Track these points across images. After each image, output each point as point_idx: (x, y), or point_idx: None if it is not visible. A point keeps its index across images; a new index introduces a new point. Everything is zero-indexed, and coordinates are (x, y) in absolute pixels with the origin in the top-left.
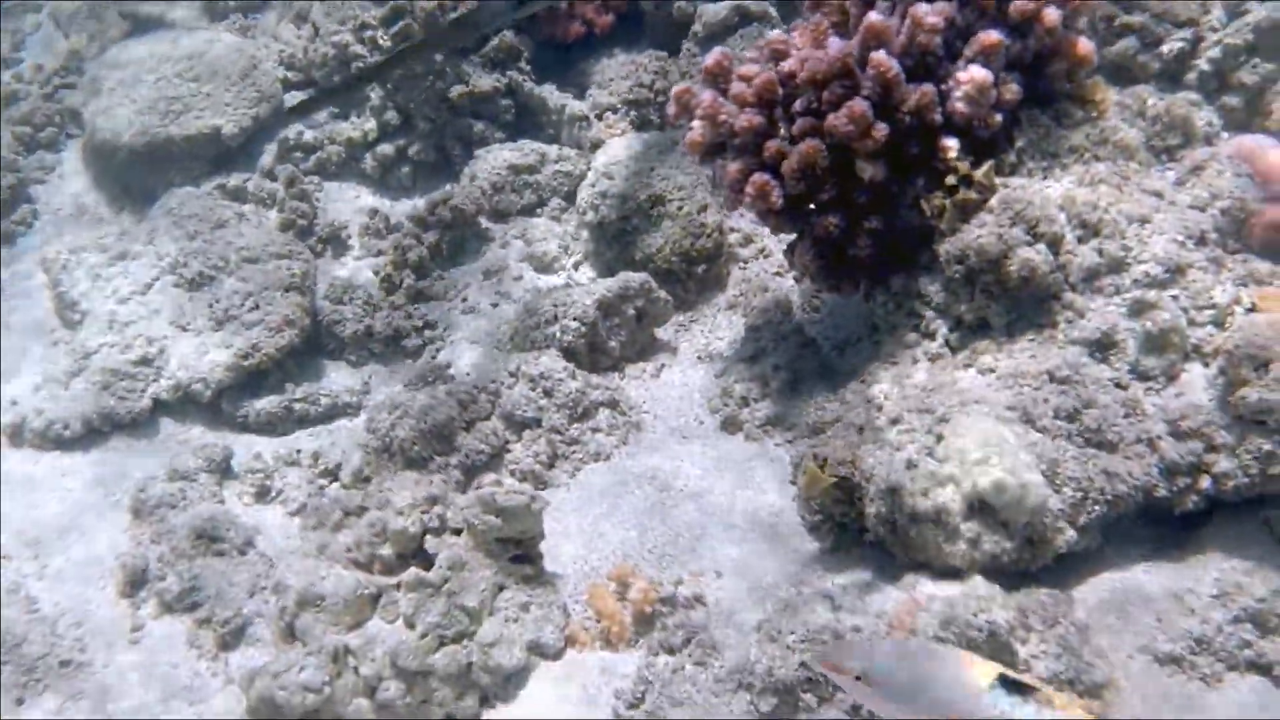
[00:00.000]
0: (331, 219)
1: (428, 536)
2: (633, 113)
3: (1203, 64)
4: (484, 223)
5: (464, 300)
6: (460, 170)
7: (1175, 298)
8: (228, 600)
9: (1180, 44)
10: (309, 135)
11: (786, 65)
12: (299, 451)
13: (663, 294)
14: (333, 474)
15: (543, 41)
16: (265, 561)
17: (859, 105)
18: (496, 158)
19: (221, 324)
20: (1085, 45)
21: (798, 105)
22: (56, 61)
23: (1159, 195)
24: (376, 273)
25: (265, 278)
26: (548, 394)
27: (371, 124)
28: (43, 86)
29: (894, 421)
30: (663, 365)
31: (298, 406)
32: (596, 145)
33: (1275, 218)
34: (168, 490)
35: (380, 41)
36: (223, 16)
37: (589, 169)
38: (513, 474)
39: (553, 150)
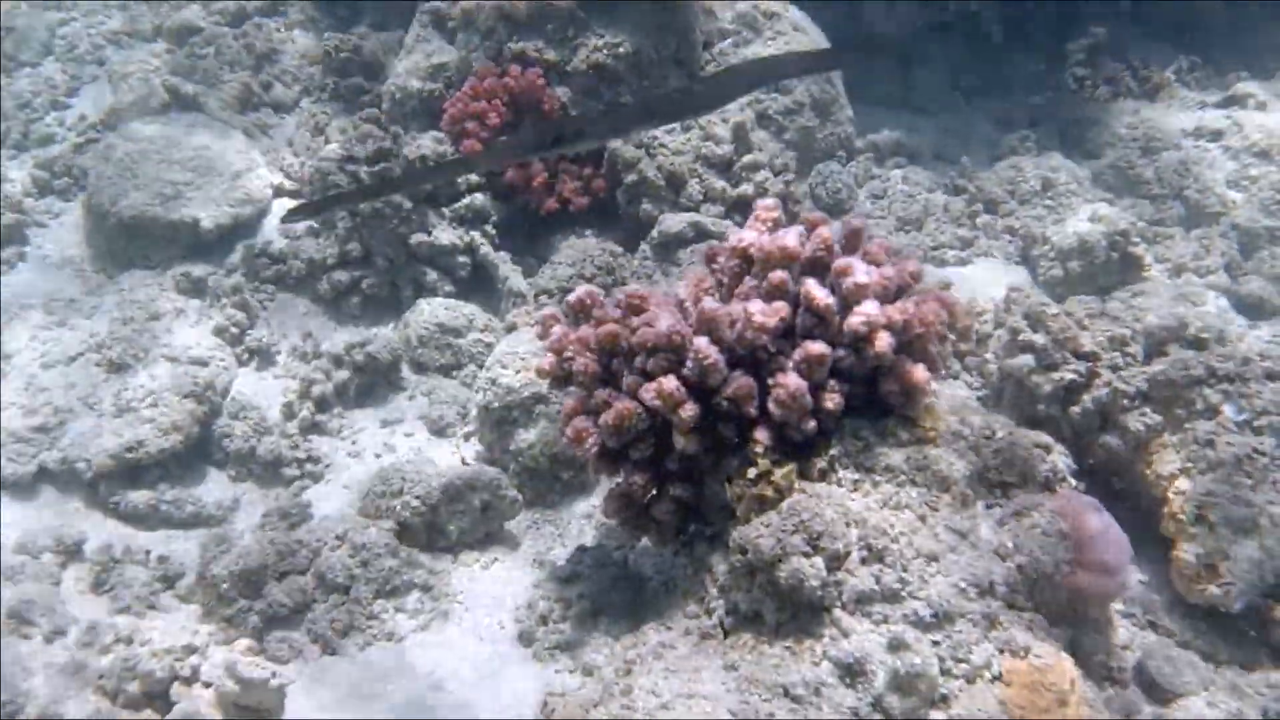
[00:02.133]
0: (266, 333)
1: (176, 683)
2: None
3: (1088, 401)
4: (404, 370)
5: (353, 443)
6: (406, 311)
7: (937, 644)
8: (13, 684)
9: (1073, 375)
10: (278, 245)
11: (635, 321)
12: (149, 552)
13: (512, 494)
14: (171, 582)
15: (518, 209)
16: (67, 653)
17: (668, 384)
18: (430, 312)
19: (121, 413)
20: (920, 374)
21: (636, 362)
22: (97, 116)
23: (961, 535)
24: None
25: (172, 380)
26: (364, 564)
27: (334, 249)
28: (79, 135)
29: (626, 693)
30: (496, 559)
31: (164, 507)
32: (511, 329)
33: (1078, 584)
34: (8, 562)
35: (361, 176)
36: (254, 108)
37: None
38: (307, 633)
39: (481, 318)
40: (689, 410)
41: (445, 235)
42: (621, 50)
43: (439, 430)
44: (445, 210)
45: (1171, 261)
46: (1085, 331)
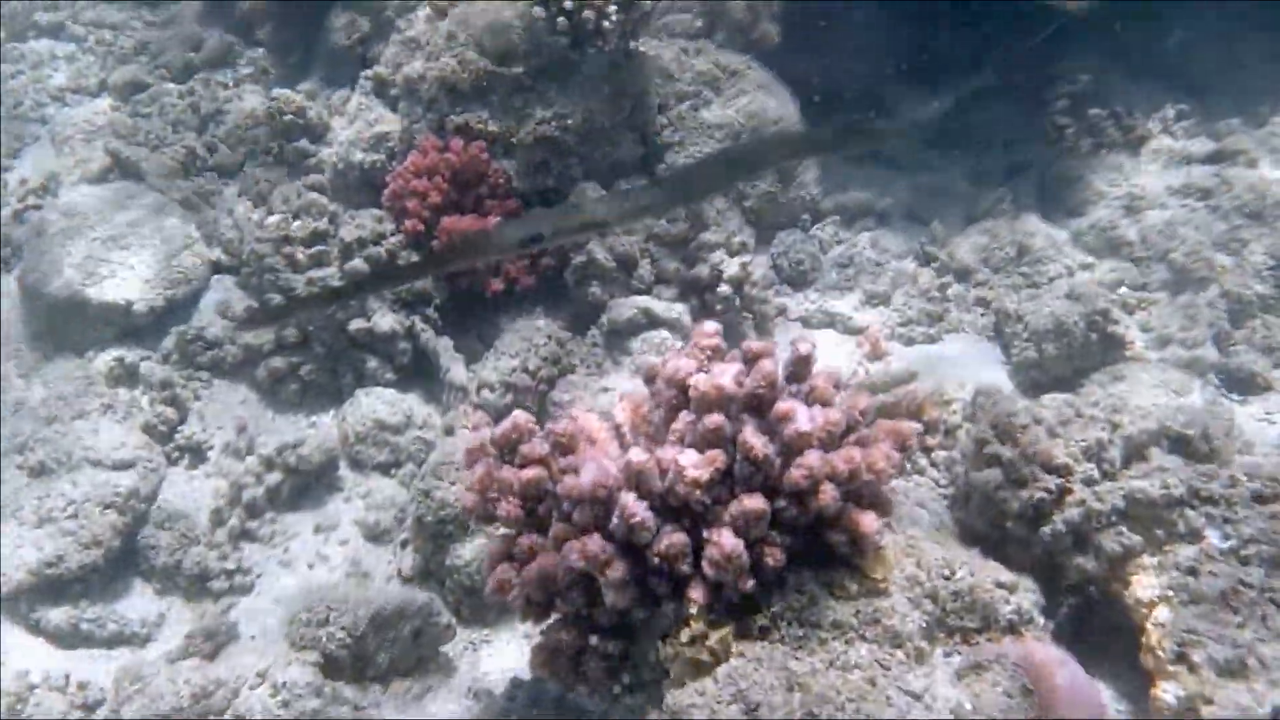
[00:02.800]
0: (199, 426)
1: None
2: (509, 396)
3: (1059, 521)
4: (341, 467)
5: (285, 551)
6: (348, 399)
7: None
8: None
9: (1043, 493)
10: (213, 331)
11: (562, 463)
12: (68, 676)
13: (445, 619)
14: (91, 709)
15: (462, 289)
16: None
17: (593, 545)
18: (369, 407)
19: (42, 523)
20: (868, 523)
21: (564, 507)
22: (38, 180)
23: (915, 697)
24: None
25: (94, 488)
26: (285, 705)
27: (271, 334)
28: (20, 201)
29: None
30: (430, 688)
31: (85, 626)
32: (448, 431)
33: None
34: None
35: (299, 258)
36: (197, 173)
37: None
38: None
39: (421, 413)
40: (617, 571)
41: (385, 321)
42: (570, 122)
43: (375, 537)
44: (385, 292)
45: (1156, 331)
46: (1057, 441)
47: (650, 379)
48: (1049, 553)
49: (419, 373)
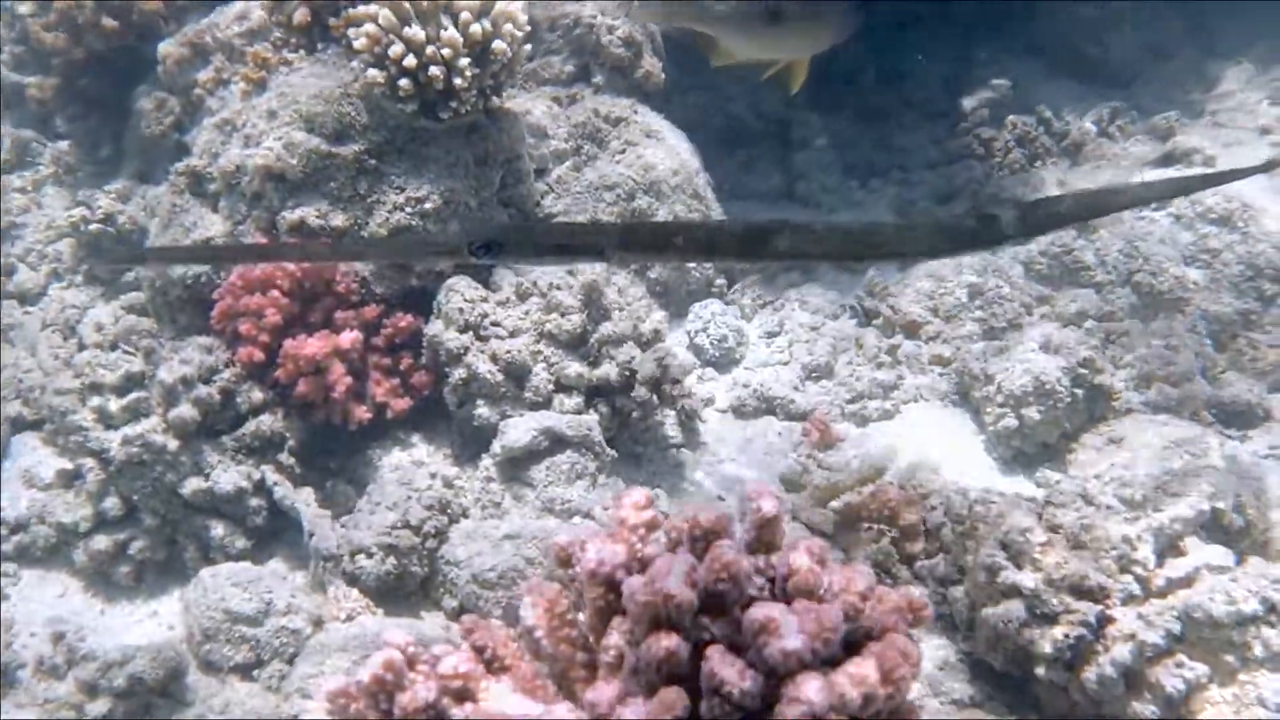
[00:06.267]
0: (4, 638)
1: None
2: (389, 561)
3: (1105, 664)
4: (191, 672)
5: None
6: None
7: None
8: None
9: (1081, 630)
10: (17, 509)
11: (455, 715)
12: None
13: None
14: None
15: (320, 425)
16: None
17: None
18: (216, 592)
19: None
20: None
21: None
22: None
23: None
24: None
25: None
26: None
27: (88, 509)
28: None
29: None
30: None
31: None
32: (317, 624)
33: None
34: None
35: (112, 410)
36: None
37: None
38: None
39: (282, 598)
40: None
41: (227, 478)
42: (429, 205)
43: None
44: (226, 440)
45: (1136, 368)
46: (1084, 554)
47: (565, 561)
48: (1092, 700)
49: (278, 534)
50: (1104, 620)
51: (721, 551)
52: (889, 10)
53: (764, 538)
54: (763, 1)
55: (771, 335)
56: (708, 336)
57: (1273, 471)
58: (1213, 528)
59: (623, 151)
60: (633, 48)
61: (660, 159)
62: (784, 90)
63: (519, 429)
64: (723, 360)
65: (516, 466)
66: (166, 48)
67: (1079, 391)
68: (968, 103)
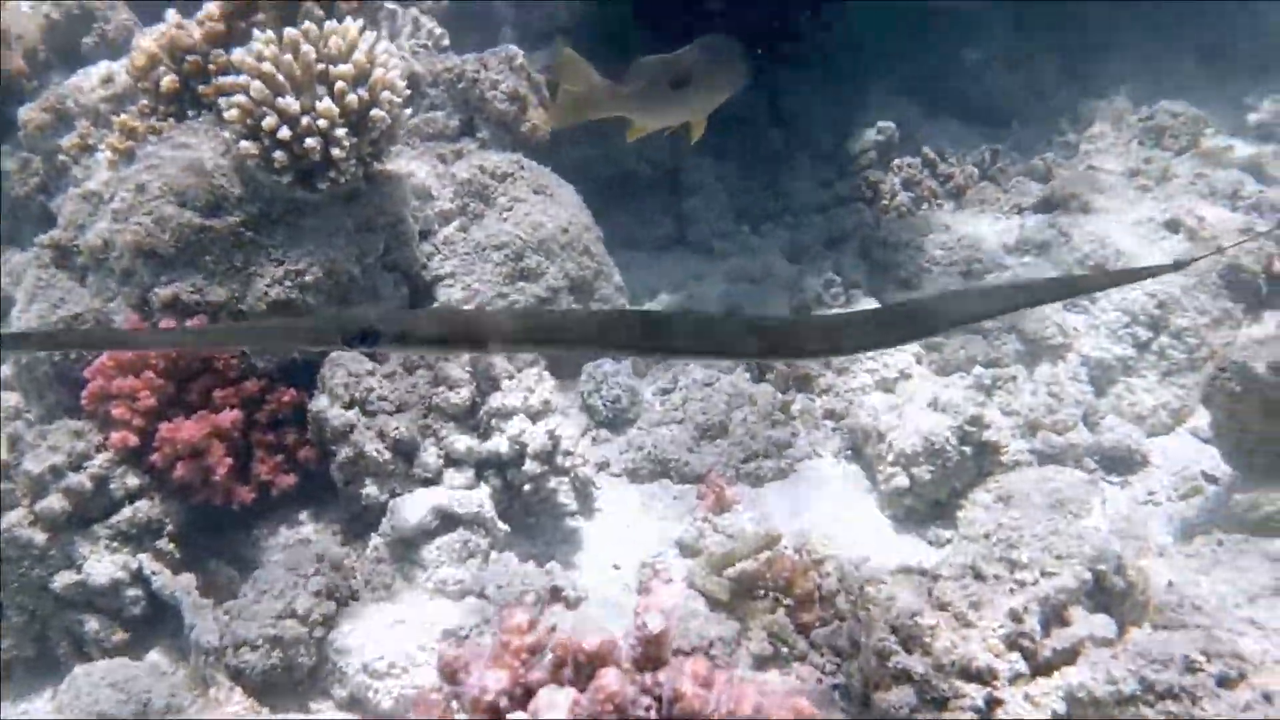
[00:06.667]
0: None
1: None
2: (275, 654)
3: None
4: None
5: None
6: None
7: None
8: None
9: (970, 715)
10: None
11: None
12: None
13: None
14: None
15: (200, 507)
16: None
17: None
18: (90, 695)
19: None
20: None
21: None
22: None
23: None
24: None
25: None
26: None
27: None
28: None
29: None
30: None
31: None
32: None
33: None
34: None
35: None
36: None
37: None
38: None
39: (161, 697)
40: None
41: (101, 569)
42: (310, 278)
43: None
44: (99, 529)
45: (1022, 415)
46: (971, 633)
47: (452, 673)
48: None
49: (158, 626)
50: (992, 703)
51: (605, 680)
52: (787, 51)
53: (651, 654)
54: (665, 72)
55: (666, 392)
56: (600, 398)
57: (1152, 517)
58: (1095, 592)
59: (510, 209)
60: (517, 101)
61: (549, 216)
62: (685, 140)
63: (410, 507)
64: (617, 421)
65: (407, 546)
66: (28, 113)
67: (967, 449)
68: (855, 145)
